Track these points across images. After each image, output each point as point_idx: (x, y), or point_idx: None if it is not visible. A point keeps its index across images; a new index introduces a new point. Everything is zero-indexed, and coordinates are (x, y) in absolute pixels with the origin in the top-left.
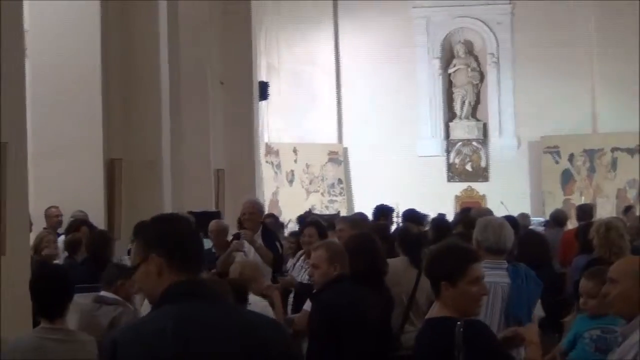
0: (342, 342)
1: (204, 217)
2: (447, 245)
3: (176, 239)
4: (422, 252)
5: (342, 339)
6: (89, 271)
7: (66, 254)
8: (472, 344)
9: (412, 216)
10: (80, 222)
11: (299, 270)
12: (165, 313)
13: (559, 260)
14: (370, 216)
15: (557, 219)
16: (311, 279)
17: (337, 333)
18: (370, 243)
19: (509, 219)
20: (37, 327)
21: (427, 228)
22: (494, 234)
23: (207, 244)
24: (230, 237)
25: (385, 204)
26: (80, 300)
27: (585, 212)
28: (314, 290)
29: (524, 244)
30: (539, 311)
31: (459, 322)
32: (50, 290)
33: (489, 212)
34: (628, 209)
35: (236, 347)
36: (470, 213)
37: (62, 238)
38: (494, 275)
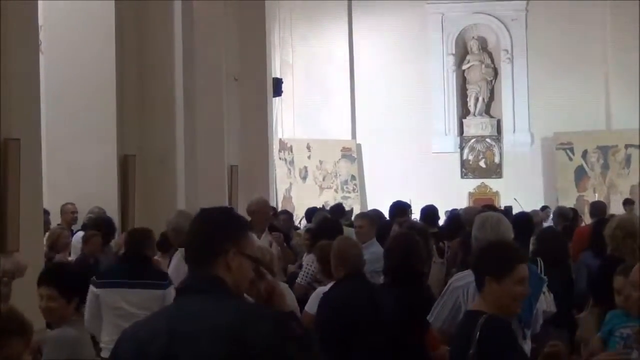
0: (350, 339)
1: None
2: (498, 241)
3: (187, 235)
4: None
5: (350, 336)
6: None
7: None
8: (487, 339)
9: (428, 213)
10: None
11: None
12: (165, 310)
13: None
14: (386, 213)
15: (564, 216)
16: (319, 277)
17: (343, 330)
18: (410, 242)
19: (523, 215)
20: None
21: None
22: (491, 230)
23: None
24: None
25: (401, 200)
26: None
27: (598, 209)
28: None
29: (542, 240)
30: (550, 307)
31: (482, 317)
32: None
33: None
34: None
35: (217, 347)
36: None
37: (79, 235)
38: None
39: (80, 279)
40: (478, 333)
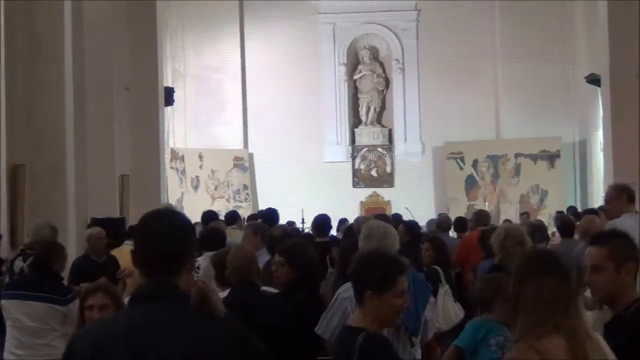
0: None
1: (108, 223)
2: (377, 254)
3: (138, 241)
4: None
5: None
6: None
7: None
8: (366, 357)
9: (318, 222)
10: None
11: None
12: (121, 317)
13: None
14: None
15: (442, 225)
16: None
17: None
18: (306, 251)
19: (411, 224)
20: None
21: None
22: (377, 241)
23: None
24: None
25: (271, 207)
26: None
27: (483, 217)
28: None
29: (437, 249)
30: (458, 314)
31: (360, 334)
32: None
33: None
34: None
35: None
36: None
37: None
38: None
39: None
40: (358, 352)
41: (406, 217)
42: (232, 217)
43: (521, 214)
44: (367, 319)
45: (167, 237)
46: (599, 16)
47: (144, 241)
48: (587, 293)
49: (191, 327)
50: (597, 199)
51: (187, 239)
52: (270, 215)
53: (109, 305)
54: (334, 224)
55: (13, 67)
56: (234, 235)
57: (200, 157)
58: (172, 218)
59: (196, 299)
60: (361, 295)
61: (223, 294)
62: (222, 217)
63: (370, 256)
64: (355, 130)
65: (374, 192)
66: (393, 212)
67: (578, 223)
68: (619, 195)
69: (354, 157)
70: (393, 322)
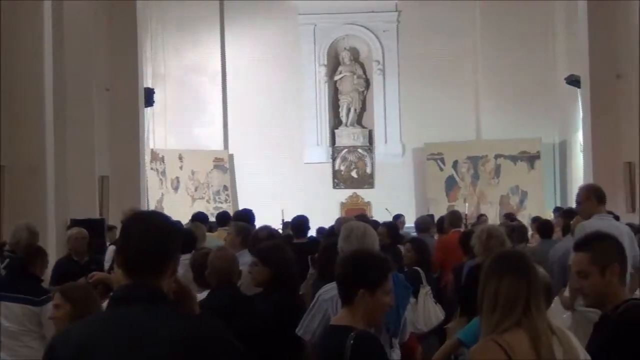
0: None
1: (88, 225)
2: (367, 252)
3: (122, 241)
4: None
5: None
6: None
7: None
8: (359, 356)
9: (297, 223)
10: None
11: None
12: (100, 319)
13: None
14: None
15: (421, 227)
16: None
17: None
18: (284, 253)
19: (392, 225)
20: None
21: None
22: (357, 241)
23: None
24: None
25: (247, 207)
26: None
27: (456, 218)
28: None
29: (420, 251)
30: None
31: (351, 334)
32: None
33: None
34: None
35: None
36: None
37: None
38: None
39: None
40: (350, 351)
41: (386, 218)
42: (224, 218)
43: (504, 215)
44: (354, 317)
45: (151, 238)
46: (579, 17)
47: (128, 241)
48: (566, 293)
49: (173, 328)
50: None
51: (171, 241)
52: (246, 216)
53: (61, 306)
54: (314, 225)
55: None
56: (223, 237)
57: (181, 158)
58: (157, 219)
59: (175, 295)
60: (352, 294)
61: (202, 295)
62: (213, 219)
63: (361, 255)
64: (336, 131)
65: (354, 193)
66: (373, 213)
67: (571, 222)
68: (589, 197)
69: (334, 158)
70: (380, 320)
